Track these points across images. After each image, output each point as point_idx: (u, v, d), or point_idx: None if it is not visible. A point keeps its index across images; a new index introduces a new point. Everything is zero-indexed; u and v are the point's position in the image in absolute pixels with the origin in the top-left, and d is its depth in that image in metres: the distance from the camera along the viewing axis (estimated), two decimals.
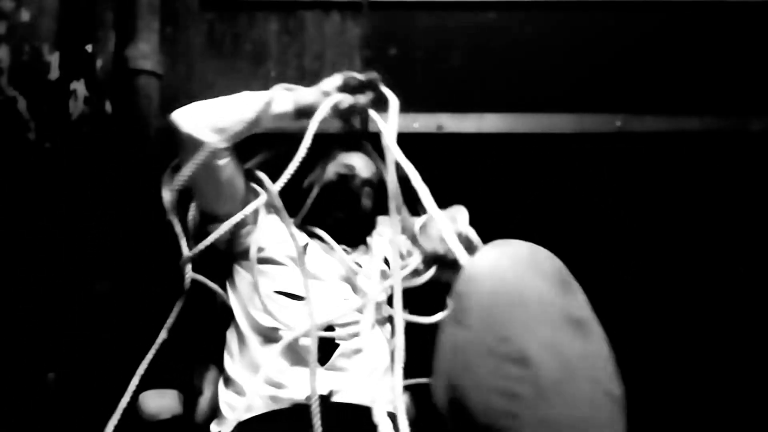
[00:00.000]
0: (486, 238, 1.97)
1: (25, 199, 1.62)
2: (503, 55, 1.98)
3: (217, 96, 1.96)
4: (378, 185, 1.52)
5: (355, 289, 1.35)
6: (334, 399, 1.18)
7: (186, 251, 1.31)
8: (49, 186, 1.64)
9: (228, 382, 1.24)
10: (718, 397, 1.93)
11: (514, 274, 0.90)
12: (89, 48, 1.77)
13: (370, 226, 1.53)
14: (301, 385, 1.17)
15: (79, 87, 1.74)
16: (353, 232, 1.45)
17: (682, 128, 1.95)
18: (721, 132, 1.95)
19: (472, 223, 1.97)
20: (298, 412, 1.12)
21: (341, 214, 1.44)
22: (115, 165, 1.79)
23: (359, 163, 1.52)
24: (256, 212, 1.38)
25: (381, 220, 1.57)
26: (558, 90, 1.98)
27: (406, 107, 1.97)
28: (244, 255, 1.33)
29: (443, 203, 1.94)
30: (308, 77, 1.97)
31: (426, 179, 1.94)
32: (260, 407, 1.16)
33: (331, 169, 1.51)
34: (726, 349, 1.94)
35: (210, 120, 1.28)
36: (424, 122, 1.95)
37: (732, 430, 1.92)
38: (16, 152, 1.61)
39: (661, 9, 1.99)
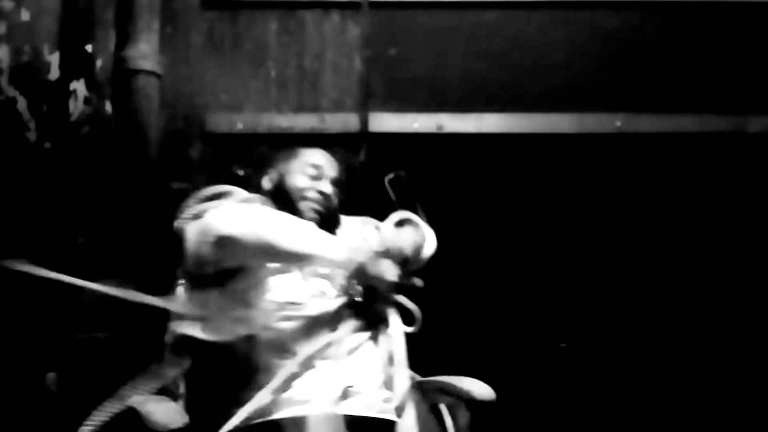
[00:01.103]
0: (485, 239, 1.98)
1: (25, 199, 1.62)
2: (503, 55, 1.98)
3: (216, 94, 1.97)
4: (342, 181, 1.49)
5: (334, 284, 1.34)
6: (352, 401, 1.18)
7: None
8: (49, 186, 1.65)
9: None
10: (719, 397, 1.93)
11: None
12: (89, 48, 1.77)
13: (337, 223, 1.51)
14: (312, 392, 1.17)
15: (79, 87, 1.74)
16: (325, 231, 1.43)
17: (682, 128, 1.95)
18: (720, 132, 1.95)
19: (473, 223, 1.98)
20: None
21: (316, 215, 1.41)
22: (115, 165, 1.79)
23: (324, 162, 1.48)
24: None
25: (344, 219, 1.54)
26: (558, 90, 1.98)
27: (406, 107, 1.98)
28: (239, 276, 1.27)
29: (443, 203, 1.95)
30: (308, 77, 1.98)
31: (426, 179, 1.95)
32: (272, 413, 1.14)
33: (296, 170, 1.46)
34: (725, 348, 1.94)
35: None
36: (424, 122, 1.95)
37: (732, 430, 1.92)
38: (16, 152, 1.61)
39: (661, 8, 1.99)
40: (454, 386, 1.27)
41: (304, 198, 1.39)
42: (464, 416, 1.23)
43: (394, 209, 1.92)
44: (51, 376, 1.46)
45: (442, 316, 1.93)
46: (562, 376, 1.93)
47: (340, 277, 1.29)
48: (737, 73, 1.98)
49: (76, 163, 1.72)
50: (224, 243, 1.18)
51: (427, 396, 1.29)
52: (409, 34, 1.98)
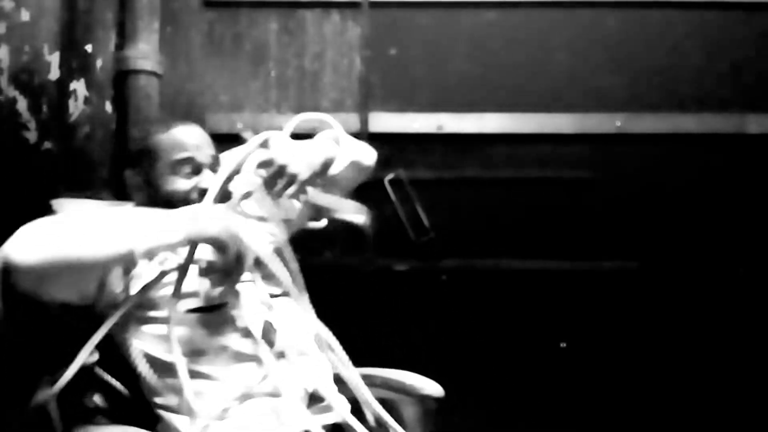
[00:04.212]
0: (482, 240, 1.98)
1: (26, 199, 1.62)
2: (503, 55, 1.98)
3: (216, 94, 1.97)
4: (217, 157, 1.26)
5: None
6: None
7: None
8: (49, 186, 1.64)
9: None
10: (718, 398, 1.93)
11: None
12: (89, 48, 1.77)
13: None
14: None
15: (79, 87, 1.74)
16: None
17: (682, 129, 1.95)
18: (720, 132, 1.95)
19: (472, 222, 1.98)
20: None
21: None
22: (115, 165, 1.79)
23: (194, 147, 1.22)
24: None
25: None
26: (558, 90, 1.98)
27: (406, 107, 1.98)
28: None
29: (442, 202, 1.95)
30: (308, 77, 1.98)
31: (426, 179, 1.95)
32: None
33: (165, 172, 1.19)
34: (724, 348, 1.94)
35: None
36: (424, 122, 1.95)
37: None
38: (16, 152, 1.61)
39: (662, 8, 1.99)
40: (400, 382, 1.25)
41: (188, 201, 1.14)
42: (411, 412, 1.22)
43: (394, 209, 1.93)
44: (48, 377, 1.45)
45: (439, 315, 1.94)
46: (562, 377, 1.93)
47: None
48: (737, 73, 1.98)
49: (76, 163, 1.72)
50: (18, 271, 0.92)
51: (370, 389, 1.27)
52: (409, 34, 1.98)
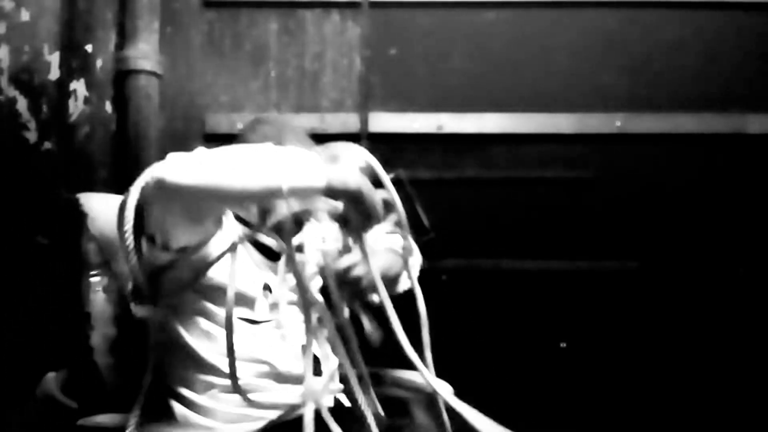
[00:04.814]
0: (482, 240, 1.98)
1: (25, 199, 1.62)
2: (503, 55, 1.98)
3: (216, 94, 1.97)
4: None
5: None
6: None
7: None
8: (48, 186, 1.65)
9: (193, 406, 1.14)
10: (718, 398, 1.93)
11: None
12: (89, 48, 1.77)
13: None
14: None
15: (79, 87, 1.74)
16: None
17: (682, 129, 1.95)
18: (720, 133, 1.95)
19: (472, 222, 1.98)
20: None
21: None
22: (115, 165, 1.79)
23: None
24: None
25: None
26: (558, 90, 1.97)
27: (406, 107, 1.98)
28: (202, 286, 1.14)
29: (442, 202, 1.95)
30: (308, 77, 1.98)
31: (426, 179, 1.95)
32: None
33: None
34: (724, 348, 1.94)
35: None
36: (424, 122, 1.95)
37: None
38: (16, 152, 1.61)
39: (661, 8, 1.99)
40: (410, 380, 1.28)
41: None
42: (422, 409, 1.23)
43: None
44: (50, 376, 1.45)
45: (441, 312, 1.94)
46: (562, 377, 1.93)
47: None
48: (737, 73, 1.98)
49: (76, 163, 1.72)
50: (164, 187, 0.99)
51: (381, 388, 1.28)
52: (409, 34, 1.98)
